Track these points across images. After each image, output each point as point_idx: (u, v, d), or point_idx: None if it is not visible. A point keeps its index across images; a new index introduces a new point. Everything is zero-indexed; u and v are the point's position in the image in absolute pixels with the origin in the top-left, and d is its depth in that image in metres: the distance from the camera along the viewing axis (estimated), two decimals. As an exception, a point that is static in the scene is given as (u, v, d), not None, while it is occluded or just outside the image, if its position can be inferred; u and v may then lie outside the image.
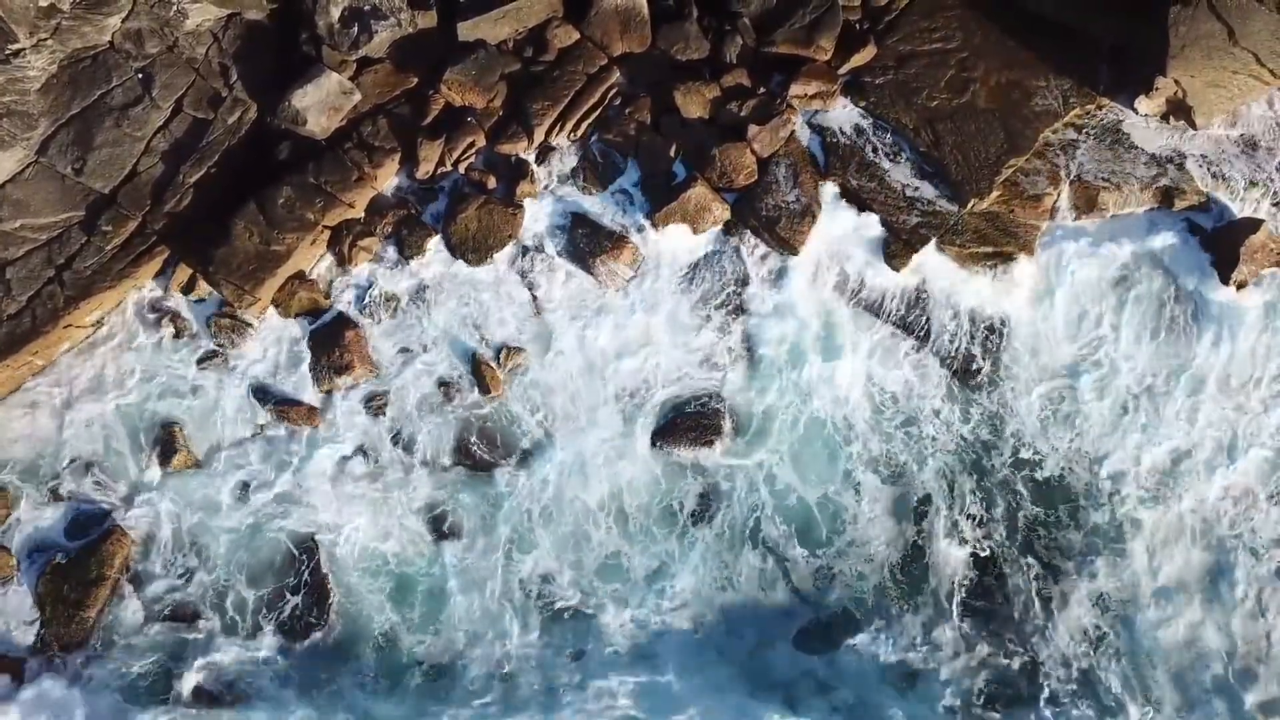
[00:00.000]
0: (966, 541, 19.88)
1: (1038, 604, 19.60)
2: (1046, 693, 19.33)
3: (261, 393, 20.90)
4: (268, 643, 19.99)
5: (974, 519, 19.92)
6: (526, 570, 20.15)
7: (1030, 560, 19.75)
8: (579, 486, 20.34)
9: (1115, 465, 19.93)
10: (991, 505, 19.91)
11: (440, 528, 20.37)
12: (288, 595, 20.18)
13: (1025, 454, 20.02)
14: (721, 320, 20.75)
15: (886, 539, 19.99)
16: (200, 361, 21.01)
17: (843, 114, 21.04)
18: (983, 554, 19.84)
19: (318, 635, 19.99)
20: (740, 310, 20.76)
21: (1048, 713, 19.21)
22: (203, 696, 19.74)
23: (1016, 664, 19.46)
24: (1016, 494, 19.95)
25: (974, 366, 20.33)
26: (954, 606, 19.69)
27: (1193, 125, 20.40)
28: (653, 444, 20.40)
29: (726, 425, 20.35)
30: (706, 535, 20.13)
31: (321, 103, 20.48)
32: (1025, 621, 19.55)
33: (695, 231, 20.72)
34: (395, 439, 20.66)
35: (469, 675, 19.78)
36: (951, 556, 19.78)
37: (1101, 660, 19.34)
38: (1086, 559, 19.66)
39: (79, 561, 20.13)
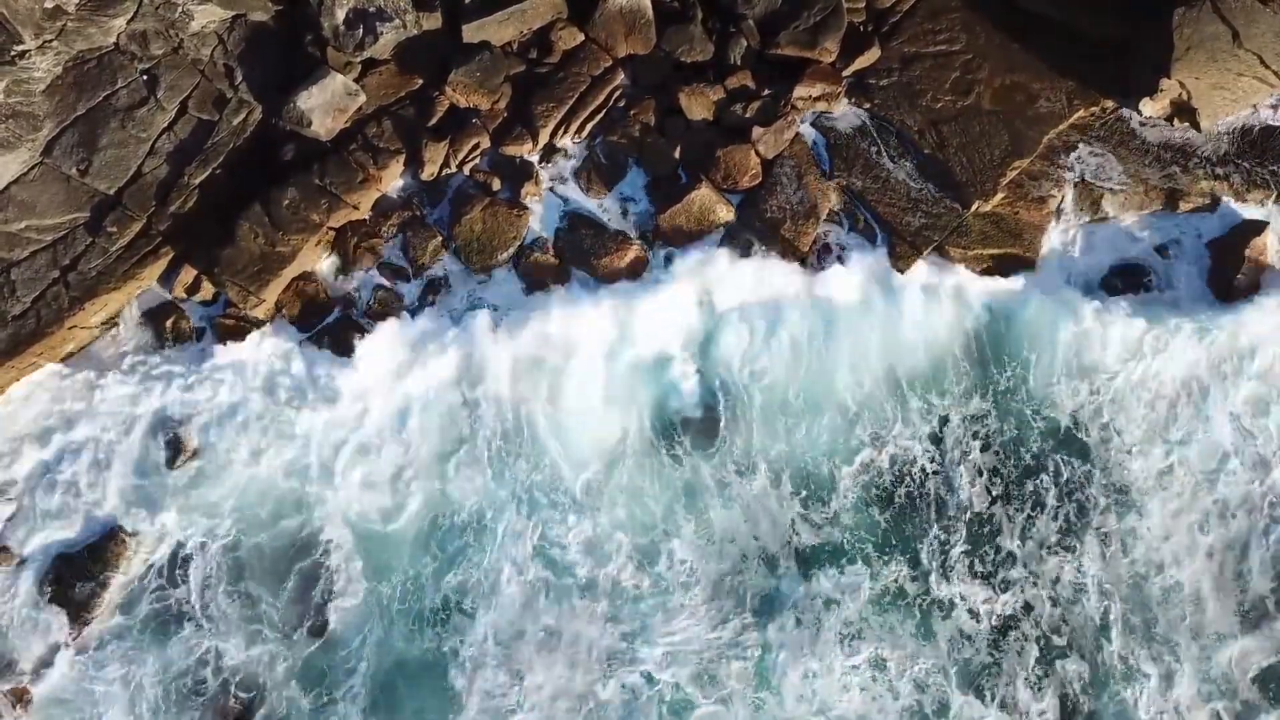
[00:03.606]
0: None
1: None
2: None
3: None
4: None
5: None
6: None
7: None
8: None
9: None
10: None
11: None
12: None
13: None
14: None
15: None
16: (204, 362, 20.97)
17: (847, 116, 21.06)
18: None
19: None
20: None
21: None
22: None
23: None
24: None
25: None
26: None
27: (1197, 127, 20.40)
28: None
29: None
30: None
31: (326, 104, 20.49)
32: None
33: (700, 233, 20.76)
34: (402, 440, 20.68)
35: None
36: None
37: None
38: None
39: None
